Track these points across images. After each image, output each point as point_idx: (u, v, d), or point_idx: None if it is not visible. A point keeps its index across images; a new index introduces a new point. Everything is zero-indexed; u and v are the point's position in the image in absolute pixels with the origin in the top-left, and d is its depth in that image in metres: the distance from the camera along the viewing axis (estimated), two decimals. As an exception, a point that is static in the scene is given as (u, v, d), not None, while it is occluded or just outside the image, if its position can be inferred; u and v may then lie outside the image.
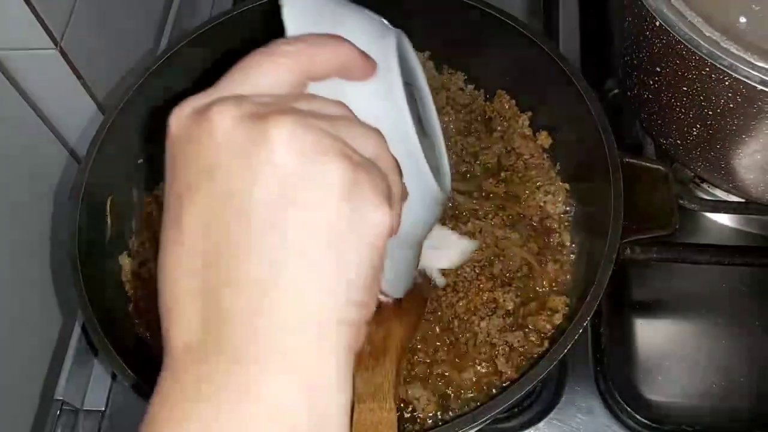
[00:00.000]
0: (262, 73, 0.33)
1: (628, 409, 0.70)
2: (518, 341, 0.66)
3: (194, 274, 0.30)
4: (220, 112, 0.30)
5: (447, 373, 0.66)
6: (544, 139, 0.78)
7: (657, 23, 0.59)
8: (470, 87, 0.83)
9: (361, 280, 0.31)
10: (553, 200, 0.74)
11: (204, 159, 0.30)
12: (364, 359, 0.62)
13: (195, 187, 0.31)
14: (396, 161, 0.35)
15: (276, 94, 0.33)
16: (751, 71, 0.55)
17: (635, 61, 0.68)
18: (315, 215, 0.30)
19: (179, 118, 0.32)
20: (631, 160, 0.67)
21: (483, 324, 0.67)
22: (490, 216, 0.73)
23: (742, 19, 0.62)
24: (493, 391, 0.65)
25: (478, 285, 0.69)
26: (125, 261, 0.72)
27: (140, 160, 0.76)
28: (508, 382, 0.65)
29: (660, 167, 0.68)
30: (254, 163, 0.29)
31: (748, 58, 0.55)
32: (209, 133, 0.30)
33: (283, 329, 0.29)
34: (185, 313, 0.31)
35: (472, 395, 0.66)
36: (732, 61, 0.55)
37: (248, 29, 0.78)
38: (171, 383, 0.31)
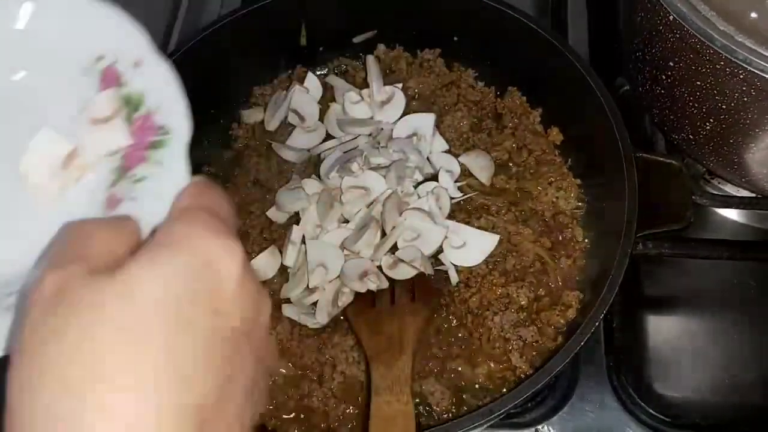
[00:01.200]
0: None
1: (641, 403, 0.70)
2: (532, 336, 0.67)
3: None
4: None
5: (461, 368, 0.66)
6: (556, 135, 0.78)
7: (670, 17, 0.60)
8: (481, 84, 0.83)
9: None
10: (565, 196, 0.74)
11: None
12: (380, 354, 0.63)
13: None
14: None
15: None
16: (765, 64, 0.55)
17: (647, 57, 0.68)
18: None
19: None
20: (645, 155, 0.68)
21: (496, 319, 0.67)
22: (502, 212, 0.73)
23: (754, 14, 0.62)
24: (507, 386, 0.65)
25: (491, 280, 0.69)
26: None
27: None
28: (522, 377, 0.65)
29: (673, 161, 0.68)
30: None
31: (763, 52, 0.55)
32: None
33: None
34: None
35: (486, 390, 0.66)
36: (747, 55, 0.55)
37: (258, 28, 0.79)
38: None
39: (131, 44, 0.42)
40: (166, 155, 0.41)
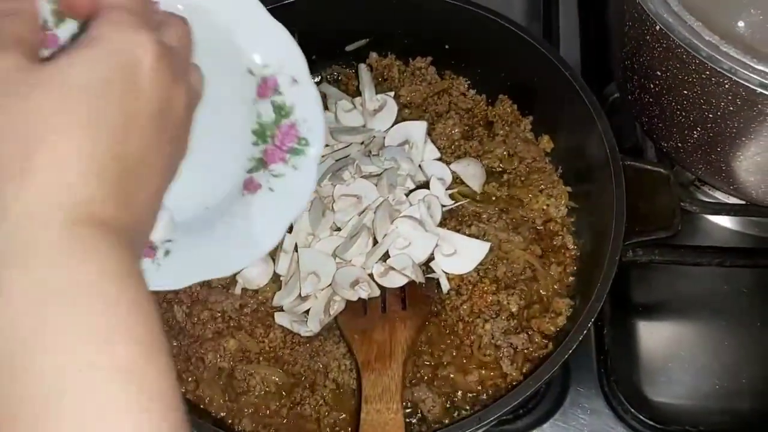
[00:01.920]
0: None
1: (632, 410, 0.70)
2: (522, 343, 0.67)
3: None
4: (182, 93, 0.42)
5: (452, 376, 0.67)
6: (546, 143, 0.78)
7: (657, 27, 0.60)
8: (472, 92, 0.83)
9: None
10: (556, 203, 0.74)
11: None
12: (371, 362, 0.63)
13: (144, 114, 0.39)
14: None
15: None
16: (750, 74, 0.55)
17: (635, 66, 0.69)
18: None
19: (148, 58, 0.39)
20: (633, 163, 0.68)
21: (487, 326, 0.68)
22: (493, 219, 0.74)
23: (741, 24, 0.63)
24: (498, 392, 0.66)
25: (482, 288, 0.70)
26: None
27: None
28: (512, 384, 0.66)
29: (661, 170, 0.69)
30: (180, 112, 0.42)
31: (748, 62, 0.55)
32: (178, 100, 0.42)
33: None
34: None
35: (477, 397, 0.66)
36: (731, 65, 0.56)
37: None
38: None
39: (293, 63, 0.51)
40: (302, 162, 0.53)
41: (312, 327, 0.68)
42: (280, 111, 0.52)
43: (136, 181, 0.38)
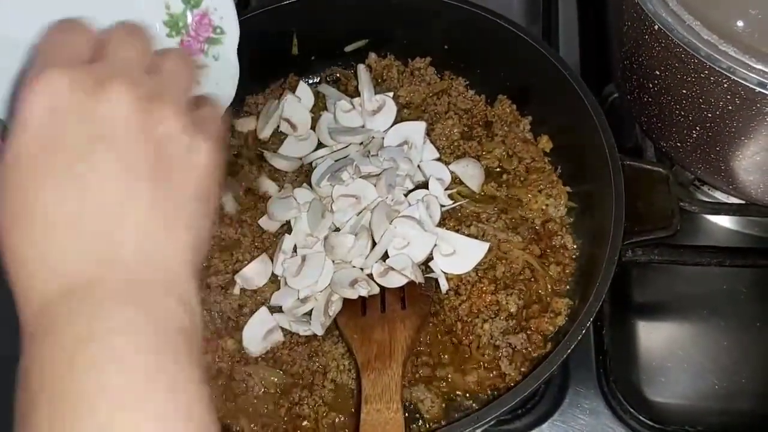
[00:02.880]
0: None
1: (631, 410, 0.70)
2: (521, 343, 0.67)
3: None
4: (119, 92, 0.39)
5: (451, 375, 0.67)
6: (545, 143, 0.78)
7: (656, 27, 0.60)
8: (471, 92, 0.83)
9: None
10: (555, 203, 0.74)
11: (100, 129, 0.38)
12: (371, 362, 0.63)
13: (89, 151, 0.38)
14: None
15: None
16: (749, 73, 0.55)
17: (634, 65, 0.69)
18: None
19: (62, 89, 0.38)
20: (632, 163, 0.68)
21: (486, 326, 0.68)
22: (492, 219, 0.74)
23: (740, 23, 0.63)
24: (497, 392, 0.66)
25: (481, 288, 0.70)
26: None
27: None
28: (511, 384, 0.66)
29: (660, 169, 0.69)
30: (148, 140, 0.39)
31: (747, 61, 0.55)
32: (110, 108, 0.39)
33: None
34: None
35: (476, 396, 0.66)
36: (730, 64, 0.56)
37: (249, 38, 0.79)
38: None
39: None
40: (221, 52, 0.54)
41: (315, 330, 0.68)
42: (189, 1, 0.52)
43: (123, 217, 0.39)
